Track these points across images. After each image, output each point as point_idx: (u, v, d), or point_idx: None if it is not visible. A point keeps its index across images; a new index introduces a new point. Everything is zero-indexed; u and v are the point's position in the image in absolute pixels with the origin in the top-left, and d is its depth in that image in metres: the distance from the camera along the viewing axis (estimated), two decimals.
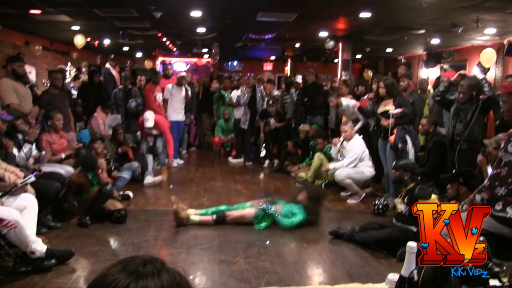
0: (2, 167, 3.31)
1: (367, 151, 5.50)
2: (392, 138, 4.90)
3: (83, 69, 11.66)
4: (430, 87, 7.11)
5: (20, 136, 4.27)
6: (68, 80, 8.79)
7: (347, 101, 6.07)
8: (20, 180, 3.26)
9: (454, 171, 3.73)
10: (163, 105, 7.11)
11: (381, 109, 5.09)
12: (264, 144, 7.89)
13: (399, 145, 4.81)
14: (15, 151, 4.07)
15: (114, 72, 8.55)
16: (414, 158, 4.86)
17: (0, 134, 3.86)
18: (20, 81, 5.02)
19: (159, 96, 7.00)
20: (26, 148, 4.22)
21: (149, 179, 5.88)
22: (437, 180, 4.01)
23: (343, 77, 7.17)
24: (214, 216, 4.23)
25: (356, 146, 5.47)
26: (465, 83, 4.40)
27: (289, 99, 7.95)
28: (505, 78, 7.04)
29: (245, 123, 7.60)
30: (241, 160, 7.88)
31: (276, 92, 8.34)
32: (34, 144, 4.36)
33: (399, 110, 4.83)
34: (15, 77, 4.94)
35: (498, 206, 2.59)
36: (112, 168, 5.21)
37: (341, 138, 5.68)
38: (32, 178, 3.29)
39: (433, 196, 3.65)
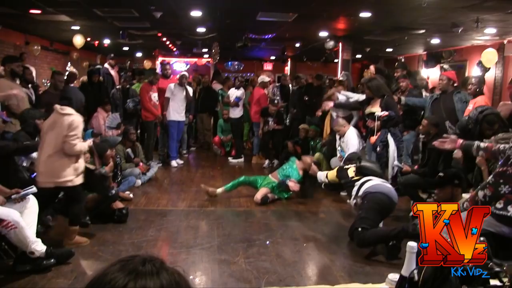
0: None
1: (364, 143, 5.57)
2: (373, 139, 4.92)
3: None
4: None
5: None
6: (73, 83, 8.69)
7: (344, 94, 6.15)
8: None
9: (443, 175, 3.72)
10: (164, 104, 7.10)
11: (368, 110, 5.09)
12: (255, 141, 7.98)
13: (378, 148, 4.86)
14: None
15: (113, 72, 8.49)
16: (396, 161, 4.92)
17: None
18: (23, 80, 5.01)
19: (154, 96, 6.98)
20: None
21: (138, 182, 5.85)
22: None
23: (340, 78, 7.18)
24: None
25: (351, 136, 5.56)
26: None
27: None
28: (510, 82, 6.92)
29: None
30: (241, 160, 7.89)
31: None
32: None
33: (385, 113, 4.81)
34: (13, 77, 4.93)
35: (499, 204, 2.57)
36: (119, 179, 5.15)
37: (337, 137, 5.84)
38: (33, 189, 3.26)
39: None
